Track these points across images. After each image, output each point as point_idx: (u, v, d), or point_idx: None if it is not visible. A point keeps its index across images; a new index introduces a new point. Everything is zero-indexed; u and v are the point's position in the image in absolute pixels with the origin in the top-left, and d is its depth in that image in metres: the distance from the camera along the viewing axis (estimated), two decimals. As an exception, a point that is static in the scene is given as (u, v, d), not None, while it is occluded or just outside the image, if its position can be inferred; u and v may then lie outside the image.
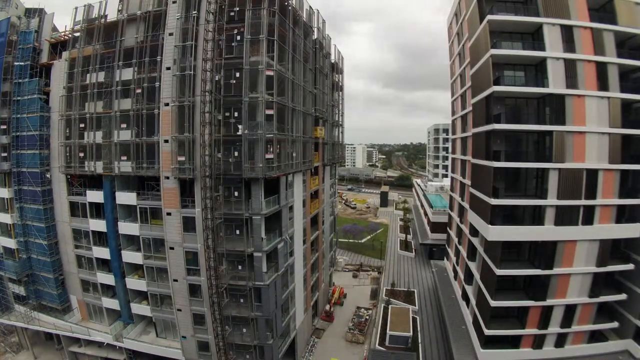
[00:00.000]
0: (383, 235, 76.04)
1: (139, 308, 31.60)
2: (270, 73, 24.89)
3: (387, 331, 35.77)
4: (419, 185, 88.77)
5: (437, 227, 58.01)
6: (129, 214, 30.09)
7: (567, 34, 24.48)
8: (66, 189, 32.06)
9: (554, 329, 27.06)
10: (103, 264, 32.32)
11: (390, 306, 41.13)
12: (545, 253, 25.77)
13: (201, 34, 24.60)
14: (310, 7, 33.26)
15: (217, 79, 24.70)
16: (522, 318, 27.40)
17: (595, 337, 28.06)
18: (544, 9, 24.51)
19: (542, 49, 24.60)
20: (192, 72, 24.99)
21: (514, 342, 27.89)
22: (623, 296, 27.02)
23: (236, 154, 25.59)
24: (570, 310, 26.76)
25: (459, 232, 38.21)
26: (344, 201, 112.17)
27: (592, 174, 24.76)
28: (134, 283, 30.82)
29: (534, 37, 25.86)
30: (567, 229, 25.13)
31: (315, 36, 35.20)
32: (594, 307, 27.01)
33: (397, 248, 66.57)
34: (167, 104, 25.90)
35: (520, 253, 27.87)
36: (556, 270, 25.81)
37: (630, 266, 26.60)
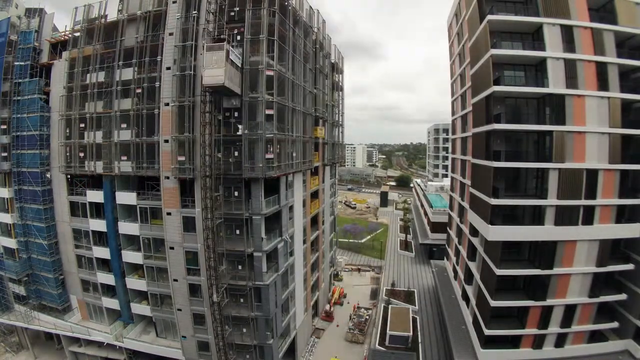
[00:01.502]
0: (383, 235, 76.06)
1: (139, 308, 31.63)
2: (270, 73, 24.89)
3: (387, 331, 35.79)
4: (419, 185, 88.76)
5: (437, 227, 58.01)
6: (129, 213, 30.10)
7: (567, 34, 24.45)
8: (66, 189, 32.08)
9: (554, 329, 27.04)
10: (103, 264, 32.35)
11: (390, 306, 41.15)
12: (545, 253, 25.74)
13: (201, 34, 24.62)
14: (310, 7, 33.29)
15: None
16: (522, 318, 27.38)
17: (595, 337, 28.02)
18: (544, 9, 24.48)
19: (542, 49, 24.57)
20: (192, 72, 25.02)
21: (514, 342, 27.87)
22: (623, 296, 27.01)
23: (236, 154, 25.60)
24: (570, 310, 26.74)
25: (459, 232, 38.19)
26: (344, 201, 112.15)
27: (592, 174, 24.72)
28: (134, 283, 30.84)
29: (534, 37, 25.84)
30: (567, 229, 25.10)
31: (315, 36, 35.20)
32: (594, 307, 26.99)
33: (397, 248, 66.58)
34: (167, 104, 25.92)
35: (520, 253, 27.84)
36: (556, 270, 25.78)
37: (630, 266, 26.58)
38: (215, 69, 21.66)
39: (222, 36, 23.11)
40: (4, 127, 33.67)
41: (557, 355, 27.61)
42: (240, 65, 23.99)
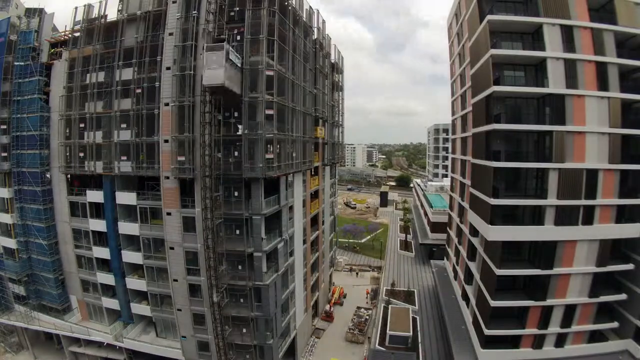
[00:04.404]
0: (383, 235, 76.01)
1: (139, 308, 31.62)
2: (270, 73, 24.90)
3: (387, 331, 35.77)
4: (418, 185, 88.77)
5: (437, 227, 57.94)
6: (129, 214, 30.08)
7: (567, 34, 24.42)
8: (66, 189, 32.07)
9: (554, 329, 27.02)
10: (103, 264, 32.33)
11: (390, 306, 41.14)
12: (545, 253, 25.73)
13: (201, 34, 24.62)
14: (310, 7, 33.33)
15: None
16: (522, 318, 27.36)
17: (595, 337, 28.00)
18: (544, 9, 24.45)
19: (542, 49, 24.54)
20: (192, 72, 25.01)
21: (514, 342, 27.86)
22: (623, 296, 26.99)
23: (236, 154, 25.63)
24: (570, 310, 26.73)
25: (459, 232, 38.18)
26: (344, 201, 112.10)
27: (592, 174, 24.71)
28: (134, 283, 30.84)
29: (534, 37, 25.80)
30: (567, 229, 25.09)
31: (315, 36, 35.21)
32: (594, 307, 26.98)
33: (397, 248, 66.56)
34: (167, 104, 25.93)
35: (520, 253, 27.82)
36: (556, 270, 25.77)
37: (630, 266, 26.57)
38: (215, 69, 21.69)
39: (222, 36, 23.08)
40: (4, 127, 33.65)
41: (557, 355, 27.59)
42: (240, 65, 23.96)
